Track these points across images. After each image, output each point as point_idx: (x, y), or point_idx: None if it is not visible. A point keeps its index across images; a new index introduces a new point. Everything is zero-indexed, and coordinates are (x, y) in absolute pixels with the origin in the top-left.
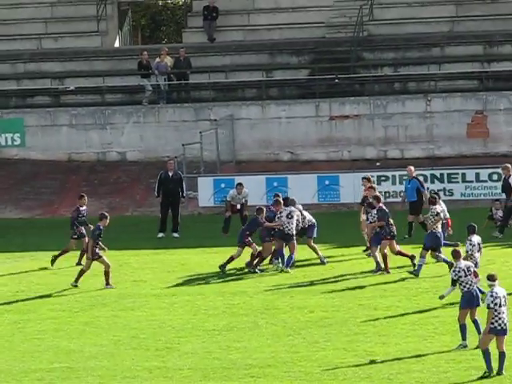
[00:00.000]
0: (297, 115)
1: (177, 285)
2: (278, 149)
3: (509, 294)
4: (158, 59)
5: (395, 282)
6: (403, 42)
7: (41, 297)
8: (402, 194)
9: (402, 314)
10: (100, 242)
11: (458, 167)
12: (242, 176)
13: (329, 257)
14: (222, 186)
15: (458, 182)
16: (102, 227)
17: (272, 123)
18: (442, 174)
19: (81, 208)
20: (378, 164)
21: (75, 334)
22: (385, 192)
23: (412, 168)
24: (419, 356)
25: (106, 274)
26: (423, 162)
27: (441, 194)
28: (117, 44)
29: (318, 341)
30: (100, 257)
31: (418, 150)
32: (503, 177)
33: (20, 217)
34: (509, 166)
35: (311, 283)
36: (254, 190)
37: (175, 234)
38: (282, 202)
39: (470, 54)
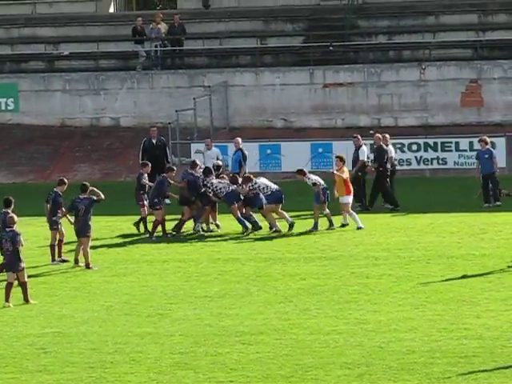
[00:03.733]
0: (291, 82)
1: (169, 251)
2: (272, 116)
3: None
4: (152, 25)
5: (388, 250)
6: (398, 10)
7: (33, 262)
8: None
9: (394, 283)
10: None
11: (452, 136)
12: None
13: (325, 224)
14: None
15: (451, 150)
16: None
17: (266, 90)
18: (435, 143)
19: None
20: (371, 132)
21: (67, 300)
22: None
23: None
24: (411, 325)
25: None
26: (417, 130)
27: (434, 162)
28: (111, 10)
29: (310, 308)
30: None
31: (412, 118)
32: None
33: (13, 181)
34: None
35: (303, 250)
36: (248, 156)
37: (166, 200)
38: (198, 164)
39: (465, 22)
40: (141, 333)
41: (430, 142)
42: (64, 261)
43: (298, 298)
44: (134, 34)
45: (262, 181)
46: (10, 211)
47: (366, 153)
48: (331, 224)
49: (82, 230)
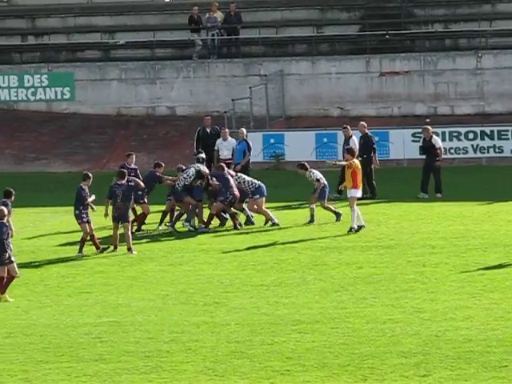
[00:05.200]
0: (347, 71)
1: (225, 240)
2: (328, 104)
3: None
4: (208, 14)
5: (444, 239)
6: None
7: (89, 251)
8: None
9: (451, 271)
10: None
11: (509, 124)
12: (292, 131)
13: (382, 212)
14: (272, 141)
15: (508, 138)
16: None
17: (322, 79)
18: (492, 131)
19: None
20: (427, 120)
21: (123, 289)
22: None
23: None
24: (468, 313)
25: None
26: (473, 118)
27: (490, 150)
28: None
29: (366, 297)
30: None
31: (468, 106)
32: (423, 138)
33: (69, 171)
34: (429, 127)
35: (360, 239)
36: (304, 145)
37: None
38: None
39: None
40: (197, 322)
41: (487, 130)
42: (105, 249)
43: (355, 286)
44: (191, 23)
45: (245, 177)
46: (8, 202)
47: (356, 143)
48: (312, 219)
49: (123, 216)
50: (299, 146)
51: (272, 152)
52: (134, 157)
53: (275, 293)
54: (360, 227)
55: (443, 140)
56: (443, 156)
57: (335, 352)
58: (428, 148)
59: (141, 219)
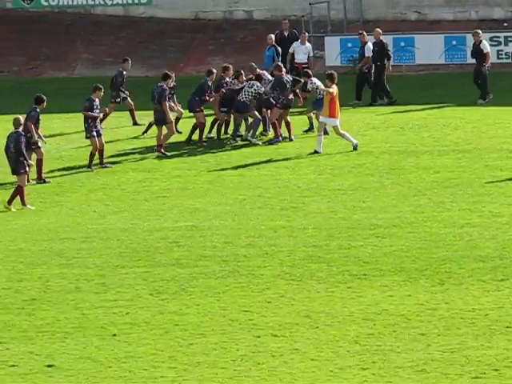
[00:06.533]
0: None
1: (302, 144)
2: (406, 8)
3: None
4: None
5: None
6: None
7: (166, 156)
8: None
9: None
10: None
11: None
12: (369, 35)
13: (459, 116)
14: (349, 45)
15: None
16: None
17: None
18: None
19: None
20: (505, 24)
21: (200, 193)
22: None
23: None
24: None
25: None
26: None
27: None
28: None
29: (444, 201)
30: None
31: None
32: (473, 42)
33: (146, 75)
34: (479, 31)
35: (437, 143)
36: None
37: None
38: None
39: None
40: (274, 226)
41: None
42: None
43: (432, 191)
44: None
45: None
46: (38, 109)
47: (371, 49)
48: (311, 127)
49: (161, 119)
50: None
51: (349, 56)
52: (130, 62)
53: (352, 197)
54: (316, 152)
55: None
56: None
57: (412, 256)
58: (477, 52)
59: (198, 128)
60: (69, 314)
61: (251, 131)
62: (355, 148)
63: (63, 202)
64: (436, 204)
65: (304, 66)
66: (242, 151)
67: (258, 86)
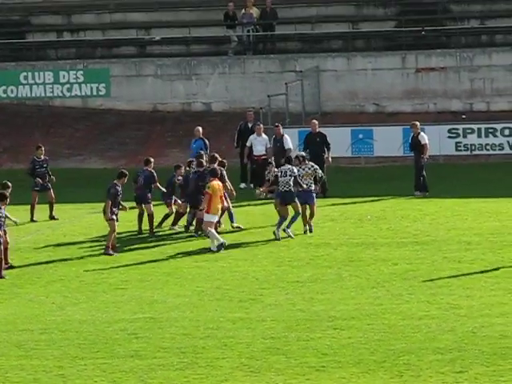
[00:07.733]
0: (383, 67)
1: (259, 237)
2: (364, 100)
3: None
4: (244, 10)
5: (480, 235)
6: None
7: (124, 247)
8: None
9: (487, 267)
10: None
11: None
12: (327, 128)
13: (418, 208)
14: None
15: None
16: (118, 186)
17: (358, 75)
18: None
19: (37, 159)
20: (463, 117)
21: (158, 285)
22: (470, 145)
23: None
24: (503, 309)
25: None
26: (509, 114)
27: None
28: None
29: (402, 293)
30: (112, 219)
31: (505, 102)
32: (412, 134)
33: (104, 167)
34: (417, 123)
35: (395, 235)
36: (339, 141)
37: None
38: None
39: None
40: (232, 318)
41: None
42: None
43: (390, 283)
44: (226, 19)
45: None
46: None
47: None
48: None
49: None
50: (335, 141)
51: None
52: (43, 149)
53: (311, 289)
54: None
55: (479, 136)
56: (474, 153)
57: (371, 348)
58: (415, 145)
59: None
60: None
61: (288, 223)
62: (219, 247)
63: (22, 293)
64: (394, 296)
65: (262, 157)
66: (200, 242)
67: (291, 170)
